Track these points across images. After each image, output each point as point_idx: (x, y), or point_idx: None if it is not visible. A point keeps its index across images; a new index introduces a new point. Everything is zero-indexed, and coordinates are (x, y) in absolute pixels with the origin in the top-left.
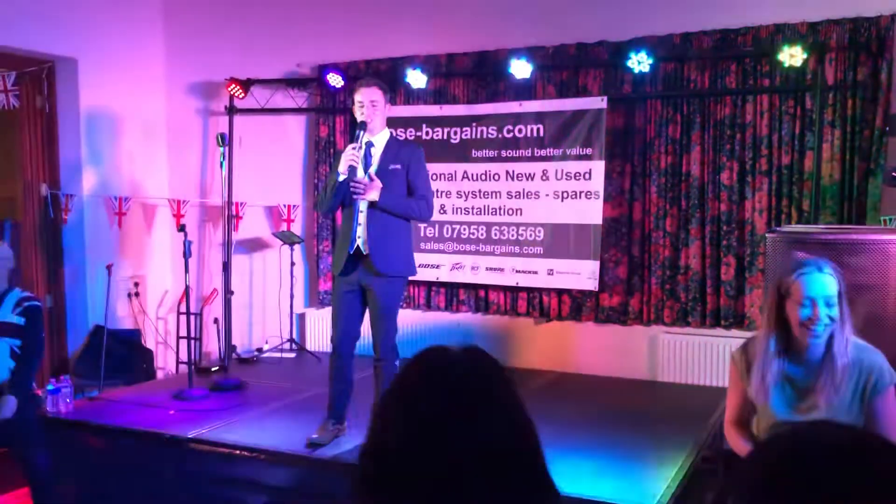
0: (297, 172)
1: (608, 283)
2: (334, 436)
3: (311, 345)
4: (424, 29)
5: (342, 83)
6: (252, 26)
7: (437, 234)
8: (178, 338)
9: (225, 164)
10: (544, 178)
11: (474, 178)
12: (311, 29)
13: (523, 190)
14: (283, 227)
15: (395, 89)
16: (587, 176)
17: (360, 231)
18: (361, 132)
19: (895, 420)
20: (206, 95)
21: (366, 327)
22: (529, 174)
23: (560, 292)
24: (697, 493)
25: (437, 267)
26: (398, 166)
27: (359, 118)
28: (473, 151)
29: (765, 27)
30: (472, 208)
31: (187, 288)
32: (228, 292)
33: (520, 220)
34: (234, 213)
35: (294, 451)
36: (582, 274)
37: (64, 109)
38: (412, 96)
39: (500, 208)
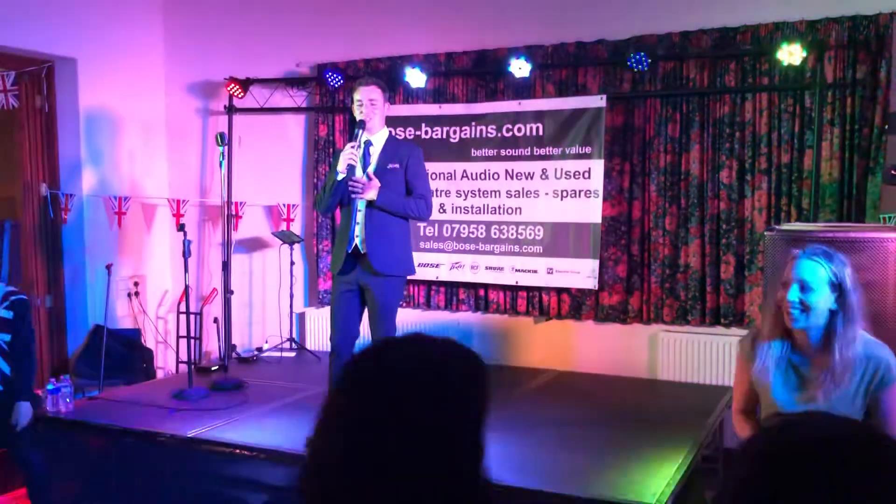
0: (297, 172)
1: (608, 281)
2: None
3: (310, 344)
4: (423, 28)
5: (341, 82)
6: (251, 26)
7: (436, 234)
8: (178, 337)
9: (224, 163)
10: (544, 176)
11: (473, 177)
12: (310, 28)
13: (522, 189)
14: (283, 226)
15: (395, 88)
16: (586, 175)
17: (359, 230)
18: (360, 131)
19: None
20: (206, 95)
21: (365, 326)
22: (529, 173)
23: (560, 291)
24: (697, 492)
25: (437, 266)
26: (396, 165)
27: (358, 117)
28: (473, 150)
29: (764, 25)
30: (472, 207)
31: (187, 287)
32: (228, 292)
33: (519, 218)
34: (233, 212)
35: (294, 451)
36: (581, 273)
37: (63, 109)
38: (411, 95)
39: (499, 207)
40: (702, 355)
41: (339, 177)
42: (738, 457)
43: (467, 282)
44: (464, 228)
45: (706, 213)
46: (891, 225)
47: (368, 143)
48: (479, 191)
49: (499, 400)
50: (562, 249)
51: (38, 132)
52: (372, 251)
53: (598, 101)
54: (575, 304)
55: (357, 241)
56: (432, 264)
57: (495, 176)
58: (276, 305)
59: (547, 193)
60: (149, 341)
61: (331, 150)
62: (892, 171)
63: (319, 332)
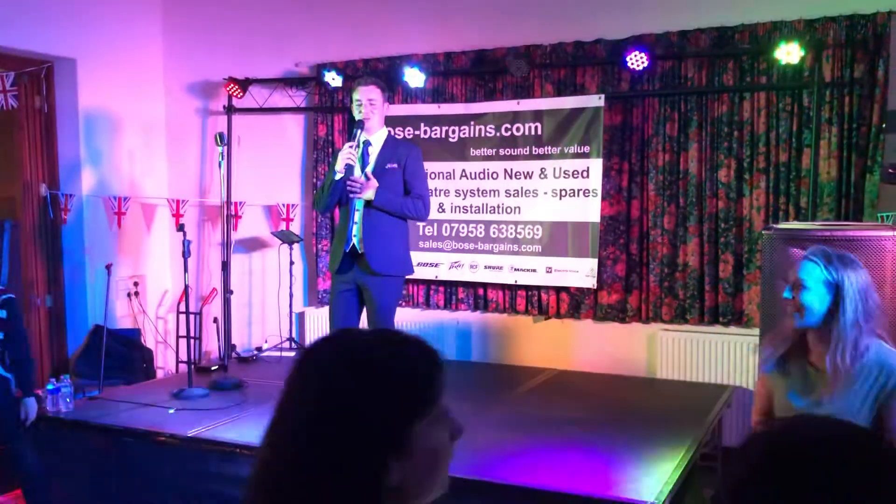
0: (296, 171)
1: (606, 280)
2: None
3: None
4: (422, 28)
5: (340, 82)
6: (250, 26)
7: (435, 233)
8: (178, 337)
9: (224, 163)
10: (542, 176)
11: (472, 176)
12: (308, 28)
13: (521, 188)
14: (282, 226)
15: (393, 88)
16: (585, 174)
17: (356, 230)
18: (359, 131)
19: None
20: (205, 95)
21: (364, 326)
22: (527, 172)
23: (559, 290)
24: (696, 490)
25: (436, 265)
26: (395, 165)
27: (357, 117)
28: (472, 150)
29: (762, 24)
30: (471, 207)
31: (186, 287)
32: (228, 291)
33: (518, 218)
34: (233, 212)
35: None
36: (580, 272)
37: (63, 109)
38: (410, 95)
39: (498, 206)
40: (700, 354)
41: (338, 176)
42: (737, 456)
43: (466, 281)
44: (463, 228)
45: (705, 212)
46: (888, 224)
47: (367, 143)
48: (478, 190)
49: (498, 399)
50: (560, 248)
51: (37, 132)
52: (369, 251)
53: (596, 101)
54: (574, 303)
55: (355, 240)
56: (431, 263)
57: (494, 175)
58: (275, 305)
59: (546, 193)
60: (148, 341)
61: (330, 149)
62: (890, 170)
63: (319, 331)
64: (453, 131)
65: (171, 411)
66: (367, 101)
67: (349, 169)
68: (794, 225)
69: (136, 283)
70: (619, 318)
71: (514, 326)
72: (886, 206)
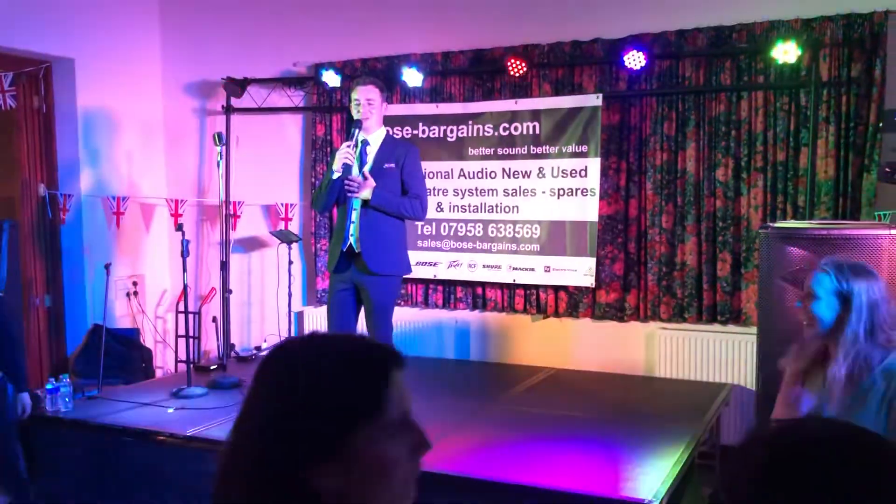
0: (295, 171)
1: (605, 279)
2: None
3: None
4: (420, 27)
5: (339, 82)
6: (248, 26)
7: (434, 232)
8: (177, 337)
9: (222, 163)
10: (540, 175)
11: (471, 175)
12: (307, 28)
13: (519, 187)
14: (281, 225)
15: (392, 88)
16: (583, 173)
17: (353, 229)
18: (357, 130)
19: None
20: (203, 95)
21: (362, 325)
22: (526, 172)
23: (557, 289)
24: (694, 489)
25: (435, 264)
26: (393, 165)
27: (355, 116)
28: (470, 149)
29: (759, 24)
30: (469, 206)
31: (185, 287)
32: (227, 291)
33: (516, 217)
34: (231, 212)
35: None
36: (578, 271)
37: (61, 109)
38: (408, 95)
39: (496, 206)
40: (698, 352)
41: (335, 176)
42: (736, 455)
43: (465, 280)
44: (461, 227)
45: (702, 210)
46: (885, 223)
47: (365, 143)
48: (476, 189)
49: (496, 397)
50: (559, 247)
51: (35, 132)
52: (366, 250)
53: (594, 100)
54: (572, 302)
55: (352, 240)
56: (430, 263)
57: (492, 175)
58: (274, 304)
59: (544, 192)
60: (148, 341)
61: (328, 149)
62: (887, 169)
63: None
64: (451, 131)
65: (171, 411)
66: (366, 101)
67: (347, 168)
68: (791, 224)
69: (135, 283)
70: (618, 316)
71: (513, 325)
72: (883, 205)
